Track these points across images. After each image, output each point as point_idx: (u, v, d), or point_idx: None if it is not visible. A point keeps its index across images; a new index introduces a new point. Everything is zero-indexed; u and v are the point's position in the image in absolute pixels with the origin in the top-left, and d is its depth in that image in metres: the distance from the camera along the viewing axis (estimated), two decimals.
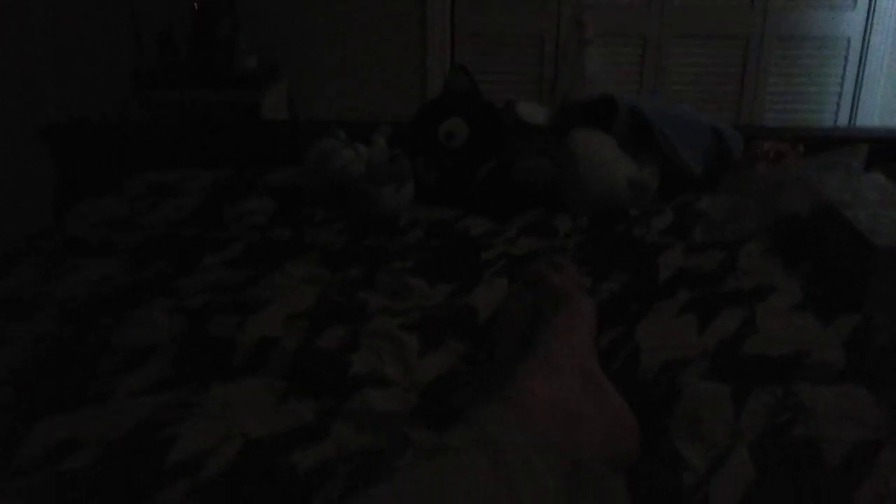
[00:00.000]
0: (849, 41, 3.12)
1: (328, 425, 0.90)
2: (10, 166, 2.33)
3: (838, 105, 3.19)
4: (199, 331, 1.10)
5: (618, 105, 1.59)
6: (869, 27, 3.09)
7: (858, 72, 3.14)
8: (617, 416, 0.88)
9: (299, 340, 1.06)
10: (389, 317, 1.14)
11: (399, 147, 1.62)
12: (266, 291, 1.21)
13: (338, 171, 1.54)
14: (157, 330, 1.10)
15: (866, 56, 3.11)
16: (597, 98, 1.66)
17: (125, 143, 2.03)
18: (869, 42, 3.10)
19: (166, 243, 1.44)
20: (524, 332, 1.00)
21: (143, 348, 1.06)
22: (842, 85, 3.17)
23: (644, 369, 1.01)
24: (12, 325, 1.16)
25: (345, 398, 0.94)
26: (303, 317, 1.13)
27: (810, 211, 1.36)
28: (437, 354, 1.05)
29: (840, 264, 1.23)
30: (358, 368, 1.00)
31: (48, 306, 1.21)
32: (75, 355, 1.07)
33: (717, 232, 1.40)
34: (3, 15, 2.68)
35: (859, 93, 3.16)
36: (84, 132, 2.00)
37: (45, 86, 2.64)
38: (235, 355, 1.04)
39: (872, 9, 3.07)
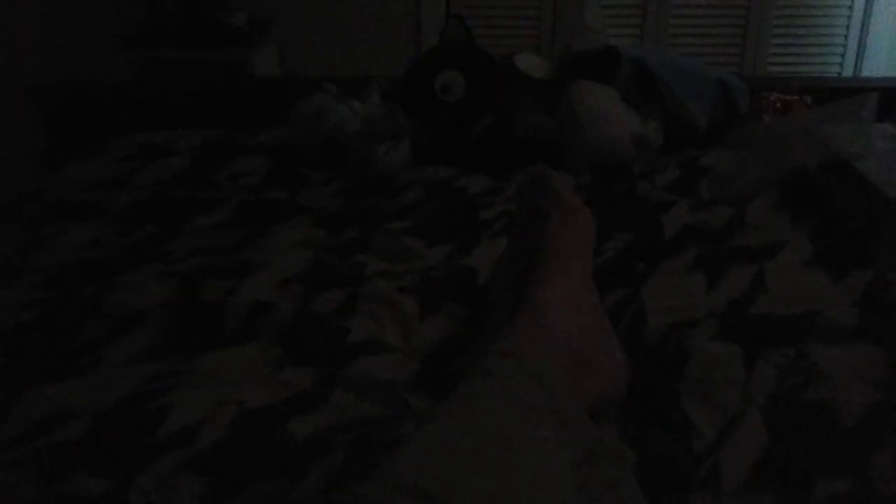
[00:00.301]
0: None
1: (326, 393, 0.87)
2: None
3: (843, 55, 3.13)
4: (191, 296, 1.06)
5: (621, 56, 1.54)
6: None
7: (863, 22, 3.07)
8: (617, 358, 0.86)
9: (295, 305, 1.03)
10: (387, 280, 1.11)
11: (394, 102, 1.57)
12: (259, 255, 1.18)
13: (332, 129, 1.49)
14: (147, 295, 1.07)
15: (871, 6, 3.04)
16: (599, 49, 1.61)
17: (113, 103, 1.97)
18: None
19: (155, 205, 1.40)
20: (529, 235, 0.95)
21: (132, 314, 1.03)
22: (846, 35, 3.10)
23: (651, 331, 0.98)
24: None
25: (343, 365, 0.91)
26: (298, 280, 1.10)
27: (819, 164, 1.32)
28: (437, 318, 1.02)
29: (851, 218, 1.19)
30: (357, 335, 0.97)
31: (35, 271, 1.18)
32: (63, 322, 1.04)
33: (723, 187, 1.36)
34: None
35: (864, 43, 3.09)
36: (71, 91, 1.95)
37: (30, 45, 2.57)
38: (228, 321, 1.01)
39: None
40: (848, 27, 3.10)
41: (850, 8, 3.07)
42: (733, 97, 1.56)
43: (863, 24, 3.07)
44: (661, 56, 1.58)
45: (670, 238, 1.21)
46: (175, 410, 0.84)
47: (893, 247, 1.11)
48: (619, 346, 0.88)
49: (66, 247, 1.25)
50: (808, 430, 0.80)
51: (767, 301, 1.02)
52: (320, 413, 0.85)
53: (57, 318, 1.05)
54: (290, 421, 0.83)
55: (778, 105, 1.53)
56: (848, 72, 3.14)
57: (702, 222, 1.24)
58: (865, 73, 3.12)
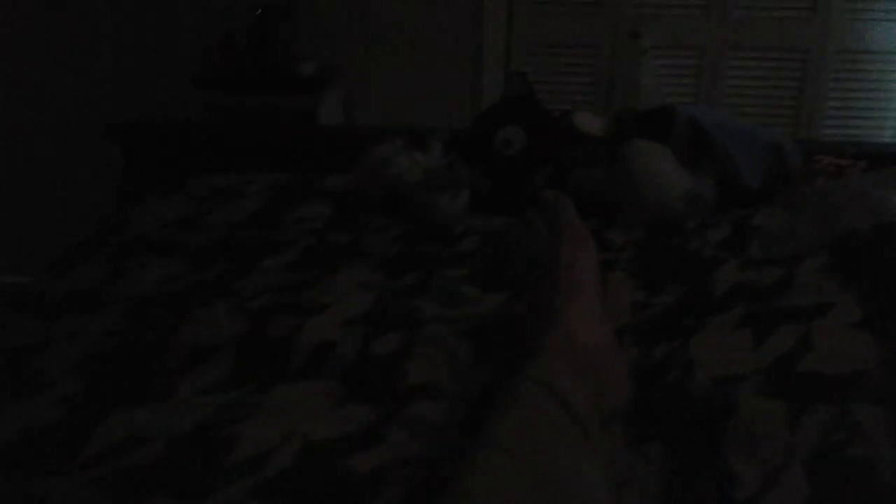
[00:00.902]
0: None
1: (385, 431, 0.92)
2: (75, 163, 2.41)
3: None
4: (260, 332, 1.13)
5: (675, 115, 1.59)
6: None
7: None
8: (624, 367, 0.92)
9: (356, 345, 1.08)
10: (443, 324, 1.16)
11: (455, 152, 1.64)
12: (323, 295, 1.24)
13: (394, 178, 1.56)
14: (220, 330, 1.13)
15: None
16: (654, 108, 1.66)
17: (188, 144, 2.08)
18: None
19: (228, 244, 1.47)
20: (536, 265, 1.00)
21: (205, 348, 1.10)
22: None
23: (698, 384, 1.01)
24: (82, 319, 1.21)
25: (400, 406, 0.96)
26: (359, 322, 1.15)
27: (871, 228, 1.34)
28: (490, 363, 1.06)
29: None
30: (413, 377, 1.02)
31: (115, 302, 1.26)
32: (141, 351, 1.11)
33: (774, 247, 1.39)
34: (71, 17, 2.77)
35: None
36: (149, 131, 2.06)
37: (110, 87, 2.72)
38: (294, 358, 1.07)
39: None
40: None
41: None
42: (786, 159, 1.59)
43: None
44: (715, 116, 1.62)
45: (720, 295, 1.24)
46: (244, 440, 0.90)
47: None
48: (625, 359, 0.93)
49: (144, 281, 1.33)
50: (848, 485, 0.82)
51: (814, 360, 1.04)
52: (379, 450, 0.90)
53: (135, 348, 1.12)
54: (351, 456, 0.88)
55: (832, 169, 1.56)
56: None
57: (751, 281, 1.27)
58: None
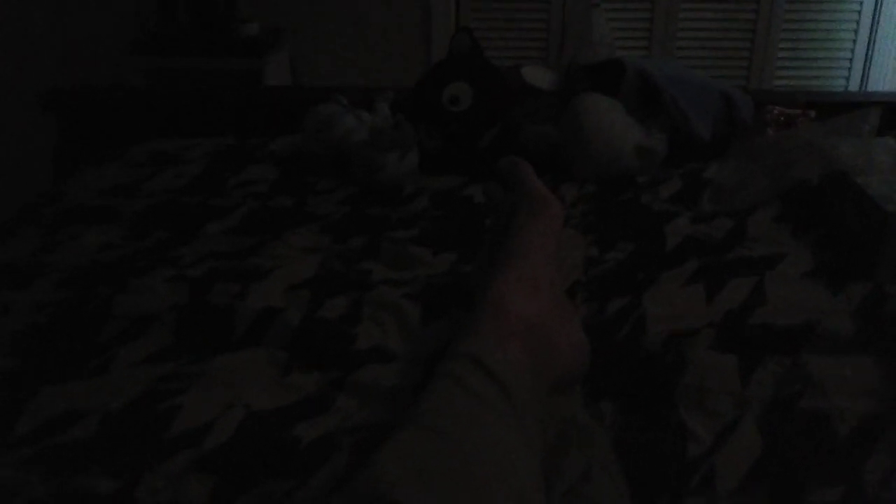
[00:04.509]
0: (861, 3, 3.06)
1: (332, 399, 0.89)
2: (8, 133, 2.31)
3: (849, 69, 3.14)
4: (200, 300, 1.09)
5: (626, 68, 1.56)
6: None
7: (870, 35, 3.09)
8: (577, 337, 0.89)
9: (302, 311, 1.05)
10: (392, 287, 1.13)
11: (402, 113, 1.59)
12: (267, 261, 1.20)
13: (339, 139, 1.52)
14: (158, 299, 1.09)
15: (878, 20, 3.06)
16: (604, 61, 1.63)
17: (126, 111, 2.00)
18: (881, 5, 3.05)
19: (167, 211, 1.42)
20: (498, 230, 0.98)
21: (143, 317, 1.05)
22: (853, 49, 3.12)
23: (651, 339, 1.00)
24: (12, 293, 1.15)
25: (349, 372, 0.93)
26: (304, 287, 1.12)
27: (821, 177, 1.33)
28: (440, 324, 1.04)
29: (851, 231, 1.21)
30: (362, 342, 0.99)
31: (48, 274, 1.20)
32: (76, 323, 1.07)
33: (725, 200, 1.38)
34: None
35: (871, 57, 3.11)
36: (85, 98, 1.98)
37: (44, 52, 2.61)
38: (237, 325, 1.03)
39: None
40: (854, 41, 3.11)
41: (857, 22, 3.09)
42: (737, 110, 1.58)
43: (870, 38, 3.09)
44: (666, 69, 1.60)
45: (671, 249, 1.23)
46: (184, 412, 0.86)
47: (891, 260, 1.12)
48: (579, 326, 0.91)
49: (79, 250, 1.28)
50: (802, 437, 0.81)
51: (766, 312, 1.03)
52: (326, 417, 0.87)
53: (70, 319, 1.07)
54: (297, 424, 0.85)
55: (782, 119, 1.55)
56: (854, 85, 3.16)
57: (703, 234, 1.26)
58: (872, 86, 3.14)
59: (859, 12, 3.07)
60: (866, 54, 3.11)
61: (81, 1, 2.83)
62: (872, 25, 3.07)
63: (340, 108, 1.57)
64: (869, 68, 3.11)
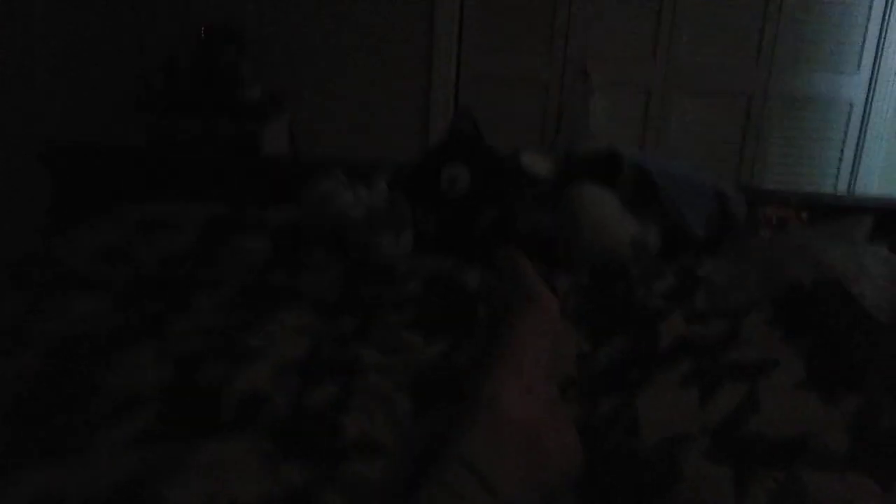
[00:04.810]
0: (851, 106, 3.13)
1: (319, 494, 0.87)
2: (5, 185, 2.31)
3: (838, 169, 3.20)
4: (188, 380, 1.07)
5: (622, 160, 1.58)
6: (871, 93, 3.10)
7: (860, 137, 3.15)
8: (569, 439, 0.88)
9: (290, 397, 1.03)
10: (383, 374, 1.11)
11: (399, 190, 1.60)
12: (257, 340, 1.19)
13: (337, 215, 1.52)
14: (145, 377, 1.07)
15: (868, 121, 3.13)
16: (602, 152, 1.65)
17: (122, 168, 2.00)
18: (871, 108, 3.12)
19: (158, 281, 1.41)
20: (492, 322, 0.97)
21: (129, 396, 1.03)
22: (842, 149, 3.18)
23: (644, 444, 0.99)
24: None
25: (336, 465, 0.91)
26: (294, 370, 1.10)
27: (814, 282, 1.34)
28: (431, 419, 1.02)
29: (843, 340, 1.21)
30: (350, 433, 0.97)
31: (33, 341, 1.18)
32: (59, 397, 1.04)
33: (719, 299, 1.38)
34: (8, 35, 2.67)
35: (860, 158, 3.17)
36: (81, 156, 1.98)
37: (49, 106, 2.62)
38: (224, 410, 1.01)
39: (876, 74, 3.09)
40: (844, 141, 3.17)
41: (848, 122, 3.15)
42: (731, 209, 1.60)
43: (859, 138, 3.15)
44: (661, 164, 1.62)
45: (665, 349, 1.22)
46: (167, 502, 0.84)
47: (884, 371, 1.12)
48: (572, 429, 0.89)
49: (67, 318, 1.26)
50: None
51: (760, 421, 1.02)
52: None
53: (52, 393, 1.05)
54: None
55: (775, 220, 1.57)
56: (844, 181, 3.21)
57: (697, 335, 1.26)
58: (861, 183, 3.19)
59: (849, 114, 3.14)
60: (855, 155, 3.17)
61: (88, 58, 2.85)
62: (862, 127, 3.14)
63: (339, 184, 1.57)
64: (858, 168, 3.17)
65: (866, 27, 3.05)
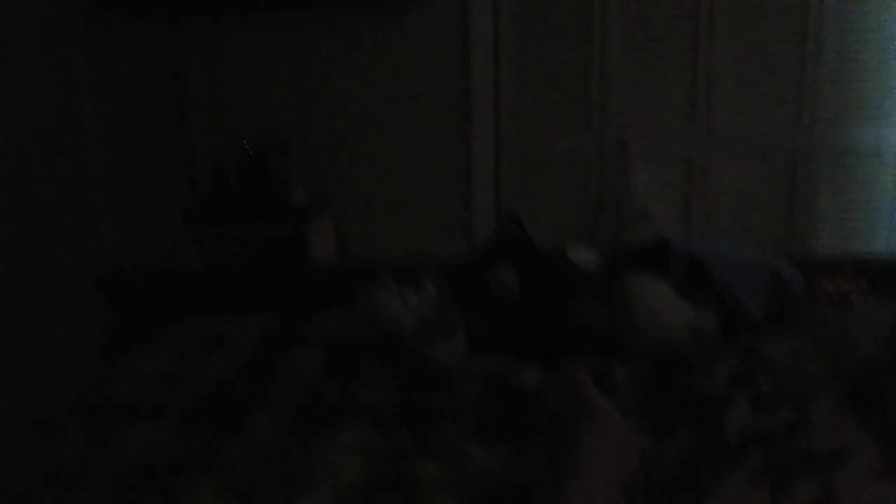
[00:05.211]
0: None
1: None
2: (63, 311, 2.37)
3: (891, 221, 3.11)
4: None
5: (672, 249, 1.56)
6: None
7: None
8: None
9: None
10: (443, 489, 1.09)
11: (448, 294, 1.60)
12: (315, 463, 1.18)
13: (388, 325, 1.52)
14: None
15: None
16: (651, 243, 1.64)
17: (175, 286, 2.05)
18: None
19: (215, 403, 1.42)
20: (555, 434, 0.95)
21: None
22: (894, 201, 3.10)
23: None
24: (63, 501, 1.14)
25: None
26: (353, 493, 1.09)
27: (882, 357, 1.30)
28: None
29: None
30: None
31: (95, 477, 1.19)
32: None
33: (783, 380, 1.34)
34: (61, 159, 2.78)
35: None
36: (137, 279, 2.03)
37: (103, 223, 2.71)
38: None
39: None
40: (894, 195, 3.10)
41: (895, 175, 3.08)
42: (787, 286, 1.56)
43: None
44: (711, 248, 1.60)
45: (732, 441, 1.18)
46: None
47: None
48: None
49: (127, 450, 1.27)
50: None
51: None
52: None
53: None
54: None
55: (834, 294, 1.52)
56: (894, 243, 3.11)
57: (764, 424, 1.21)
58: None
59: None
60: None
61: (137, 175, 2.95)
62: None
63: (388, 293, 1.58)
64: None
65: None
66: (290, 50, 2.96)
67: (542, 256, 1.60)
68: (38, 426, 1.39)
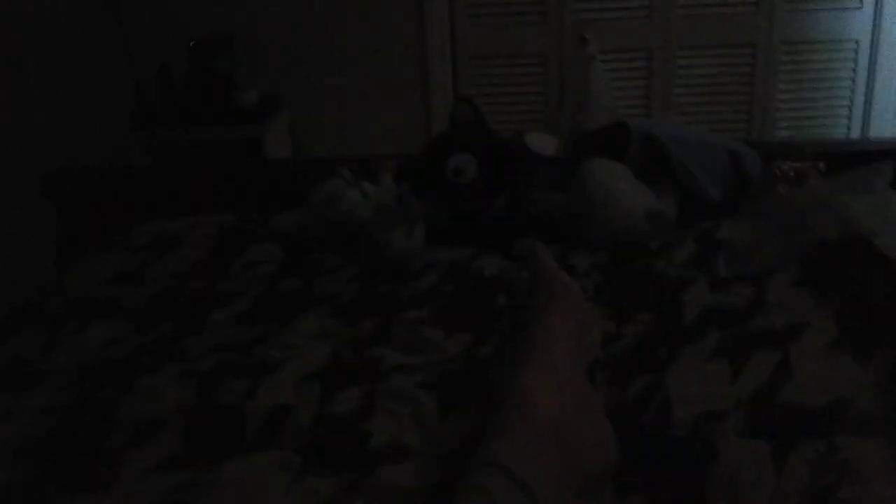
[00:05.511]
0: (857, 44, 3.06)
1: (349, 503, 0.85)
2: (10, 219, 2.30)
3: (850, 111, 3.13)
4: (209, 400, 1.05)
5: (631, 132, 1.54)
6: (877, 29, 3.03)
7: (869, 76, 3.08)
8: (604, 433, 0.86)
9: (313, 407, 1.02)
10: (406, 374, 1.10)
11: (406, 184, 1.57)
12: (276, 350, 1.17)
13: (345, 215, 1.50)
14: (166, 400, 1.06)
15: (876, 59, 3.06)
16: (609, 125, 1.62)
17: (127, 190, 1.99)
18: (878, 45, 3.04)
19: (172, 299, 1.39)
20: (515, 314, 0.96)
21: (151, 421, 1.03)
22: (853, 90, 3.11)
23: (677, 423, 0.96)
24: (16, 396, 1.13)
25: (365, 473, 0.90)
26: (315, 379, 1.09)
27: (838, 237, 1.31)
28: (458, 416, 1.00)
29: (873, 295, 1.18)
30: (377, 439, 0.95)
31: (53, 375, 1.17)
32: (83, 428, 1.04)
33: (741, 262, 1.35)
34: None
35: (871, 98, 3.10)
36: (85, 180, 1.97)
37: (45, 131, 2.61)
38: (248, 427, 1.00)
39: (879, 10, 3.01)
40: (853, 81, 3.11)
41: (855, 61, 3.08)
42: (746, 167, 1.56)
43: (868, 77, 3.08)
44: (670, 130, 1.58)
45: (691, 321, 1.20)
46: None
47: None
48: (605, 420, 0.88)
49: (85, 347, 1.25)
50: None
51: (794, 389, 1.00)
52: None
53: (76, 425, 1.04)
54: None
55: (792, 174, 1.53)
56: (856, 122, 3.14)
57: (722, 303, 1.23)
58: (874, 123, 3.12)
59: (856, 51, 3.06)
60: (865, 95, 3.10)
61: (80, 78, 2.84)
62: (870, 66, 3.06)
63: (344, 184, 1.55)
64: (870, 111, 3.10)
65: None
66: None
67: (499, 142, 1.57)
68: None
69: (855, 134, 3.15)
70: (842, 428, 0.91)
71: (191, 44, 2.73)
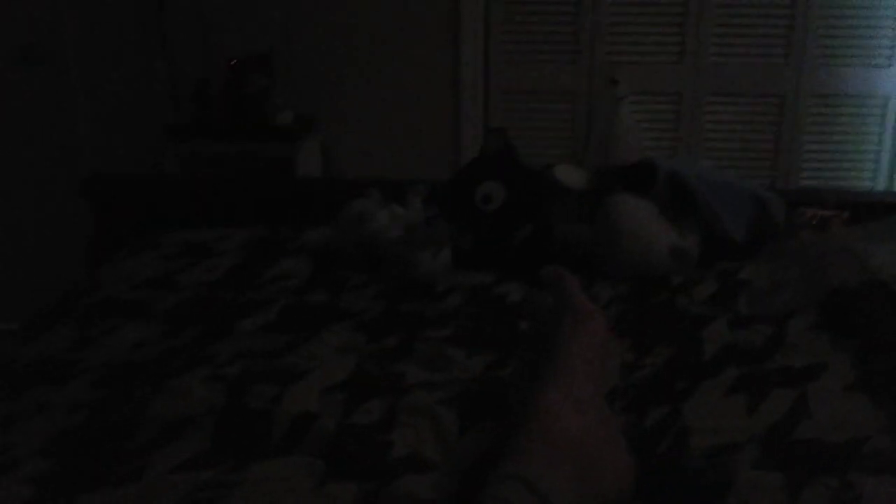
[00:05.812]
0: (886, 100, 3.09)
1: None
2: (46, 220, 2.36)
3: (877, 165, 3.15)
4: (237, 403, 1.08)
5: (657, 169, 1.57)
6: None
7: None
8: (622, 459, 0.87)
9: (337, 416, 1.04)
10: (426, 390, 1.12)
11: (435, 209, 1.61)
12: (302, 360, 1.20)
13: (373, 235, 1.53)
14: (194, 401, 1.09)
15: None
16: (636, 162, 1.65)
17: (161, 198, 2.04)
18: None
19: (202, 306, 1.43)
20: (542, 339, 0.97)
21: (180, 420, 1.05)
22: (880, 144, 3.13)
23: (693, 453, 0.98)
24: (48, 391, 1.16)
25: (385, 482, 0.92)
26: (339, 389, 1.11)
27: (858, 284, 1.33)
28: (478, 434, 1.02)
29: (892, 343, 1.19)
30: (398, 450, 0.98)
31: (84, 372, 1.21)
32: (112, 426, 1.06)
33: (761, 303, 1.37)
34: (42, 70, 2.74)
35: None
36: (122, 186, 2.02)
37: (83, 139, 2.68)
38: (274, 431, 1.02)
39: None
40: (881, 136, 3.13)
41: (884, 116, 3.11)
42: (770, 211, 1.58)
43: (894, 138, 3.10)
44: (697, 170, 1.61)
45: (710, 357, 1.21)
46: None
47: None
48: (626, 447, 0.89)
49: (115, 347, 1.28)
50: None
51: (810, 426, 1.01)
52: None
53: (105, 421, 1.07)
54: None
55: (815, 221, 1.55)
56: (882, 178, 3.16)
57: (742, 341, 1.25)
58: None
59: (885, 108, 3.09)
60: (893, 150, 3.12)
61: (119, 90, 2.91)
62: None
63: (373, 204, 1.59)
64: None
65: None
66: None
67: (528, 173, 1.61)
68: (24, 327, 1.40)
69: (880, 189, 3.17)
70: (857, 465, 0.93)
71: (231, 62, 2.80)
